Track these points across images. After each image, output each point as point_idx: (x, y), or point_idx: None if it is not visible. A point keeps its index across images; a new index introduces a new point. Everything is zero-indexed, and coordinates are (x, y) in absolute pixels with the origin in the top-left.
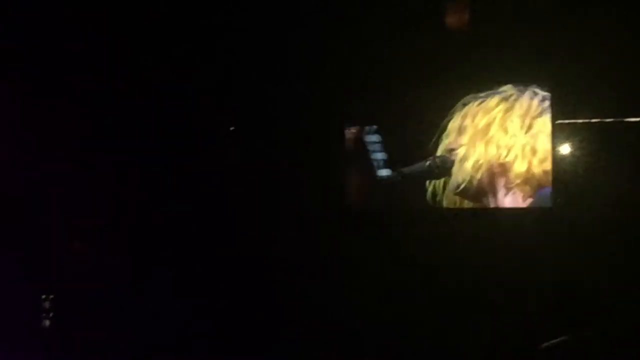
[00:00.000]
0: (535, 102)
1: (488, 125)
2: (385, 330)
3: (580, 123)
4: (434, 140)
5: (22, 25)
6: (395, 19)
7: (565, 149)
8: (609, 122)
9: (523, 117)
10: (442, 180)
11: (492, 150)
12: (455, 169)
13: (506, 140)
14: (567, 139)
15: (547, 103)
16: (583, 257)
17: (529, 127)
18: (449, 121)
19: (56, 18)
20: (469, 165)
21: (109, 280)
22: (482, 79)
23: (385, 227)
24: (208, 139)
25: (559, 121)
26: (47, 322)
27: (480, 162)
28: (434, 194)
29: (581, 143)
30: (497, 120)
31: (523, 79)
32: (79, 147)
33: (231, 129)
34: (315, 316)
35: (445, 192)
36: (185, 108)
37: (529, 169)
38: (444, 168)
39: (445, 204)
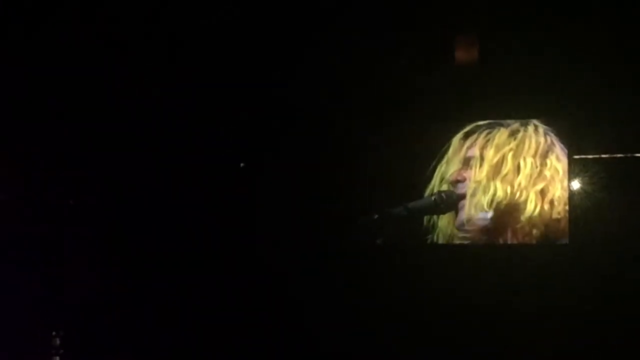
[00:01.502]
0: (542, 139)
1: (500, 163)
2: None
3: (595, 159)
4: (431, 167)
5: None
6: (401, 51)
7: (580, 184)
8: (624, 157)
9: (534, 156)
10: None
11: (507, 189)
12: (467, 204)
13: (519, 181)
14: (582, 174)
15: (549, 138)
16: (599, 292)
17: (541, 169)
18: (448, 148)
19: None
20: (483, 201)
21: (118, 317)
22: (490, 114)
23: (394, 261)
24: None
25: (576, 156)
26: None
27: (495, 199)
28: (433, 224)
29: (597, 178)
30: (510, 159)
31: (536, 116)
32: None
33: (241, 165)
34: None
35: (441, 227)
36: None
37: (539, 213)
38: (449, 203)
39: (441, 239)
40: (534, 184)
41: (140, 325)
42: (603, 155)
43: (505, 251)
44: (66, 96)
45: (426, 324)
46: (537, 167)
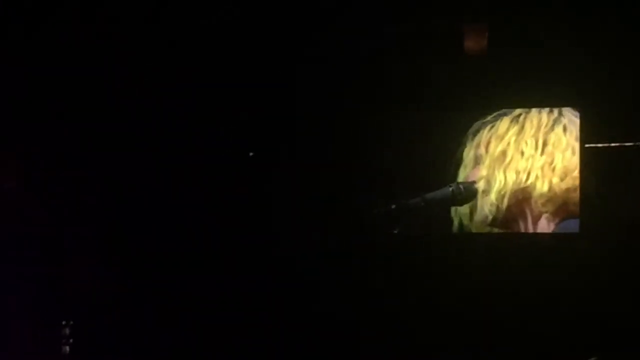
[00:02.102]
0: (544, 114)
1: (504, 152)
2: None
3: (608, 147)
4: (452, 171)
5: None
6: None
7: (593, 172)
8: (637, 145)
9: (536, 135)
10: (467, 210)
11: (512, 177)
12: (480, 202)
13: (524, 164)
14: (595, 162)
15: (556, 111)
16: (611, 283)
17: (544, 144)
18: (462, 151)
19: None
20: (492, 196)
21: (128, 306)
22: (500, 103)
23: (411, 252)
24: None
25: (588, 145)
26: (67, 349)
27: (503, 190)
28: (461, 225)
29: (609, 167)
30: (512, 145)
31: (554, 102)
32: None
33: (250, 154)
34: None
35: (472, 223)
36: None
37: (551, 188)
38: (467, 194)
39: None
40: (538, 161)
41: (143, 325)
42: (615, 144)
43: (518, 240)
44: (66, 96)
45: (440, 312)
46: (540, 144)
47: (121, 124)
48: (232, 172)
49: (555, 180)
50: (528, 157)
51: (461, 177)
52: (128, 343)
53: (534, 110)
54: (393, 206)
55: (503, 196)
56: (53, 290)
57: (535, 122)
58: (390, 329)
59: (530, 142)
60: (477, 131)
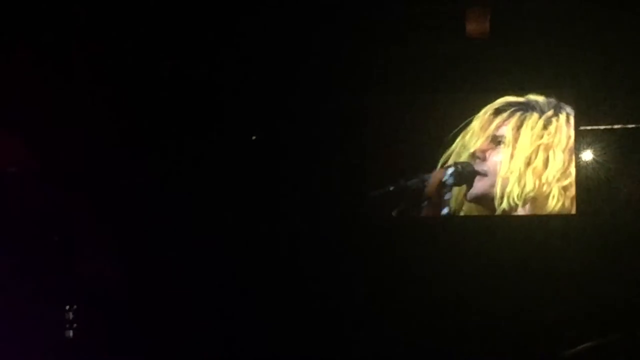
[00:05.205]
0: (572, 131)
1: (533, 154)
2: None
3: (602, 129)
4: (452, 134)
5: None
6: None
7: (588, 155)
8: (631, 128)
9: (564, 151)
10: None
11: (535, 182)
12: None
13: (547, 175)
14: (589, 145)
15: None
16: (606, 264)
17: (568, 164)
18: (472, 121)
19: None
20: (514, 193)
21: (131, 291)
22: (501, 86)
23: (409, 233)
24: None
25: (582, 127)
26: (70, 333)
27: (525, 193)
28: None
29: (604, 149)
30: (541, 151)
31: (545, 87)
32: (98, 160)
33: (253, 138)
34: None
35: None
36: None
37: (560, 207)
38: (466, 175)
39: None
40: (559, 180)
41: (144, 325)
42: (610, 127)
43: (516, 222)
44: (66, 95)
45: (441, 293)
46: (565, 162)
47: (121, 124)
48: (231, 170)
49: (567, 203)
50: (553, 171)
51: (467, 143)
52: (128, 343)
53: (563, 120)
54: (391, 187)
55: (521, 197)
56: (54, 289)
57: (564, 136)
58: (389, 311)
59: (560, 157)
60: (502, 110)
